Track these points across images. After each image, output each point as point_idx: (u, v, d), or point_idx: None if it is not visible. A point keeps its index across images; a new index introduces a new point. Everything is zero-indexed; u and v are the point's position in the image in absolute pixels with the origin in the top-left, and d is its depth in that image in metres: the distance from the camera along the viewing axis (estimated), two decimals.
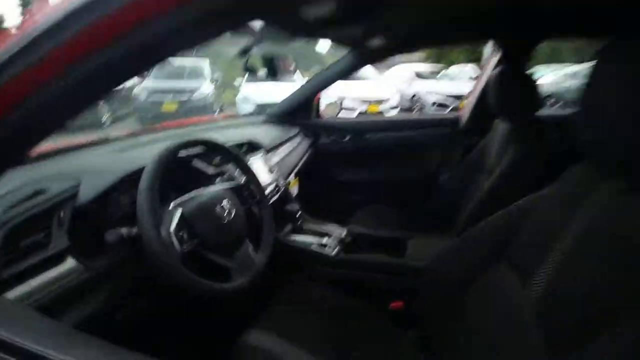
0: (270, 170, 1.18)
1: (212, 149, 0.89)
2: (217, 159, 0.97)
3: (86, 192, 0.69)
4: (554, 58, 8.49)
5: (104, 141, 1.02)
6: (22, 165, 0.67)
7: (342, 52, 1.53)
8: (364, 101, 6.19)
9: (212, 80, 7.03)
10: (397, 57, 1.88)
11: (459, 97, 6.65)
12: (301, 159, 1.54)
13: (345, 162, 1.79)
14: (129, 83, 6.79)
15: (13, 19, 13.11)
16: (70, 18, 0.35)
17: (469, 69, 8.55)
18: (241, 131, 1.41)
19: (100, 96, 0.43)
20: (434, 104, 7.07)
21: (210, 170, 0.89)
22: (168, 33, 0.34)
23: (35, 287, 0.58)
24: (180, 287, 0.68)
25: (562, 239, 0.54)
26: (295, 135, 1.60)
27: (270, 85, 4.92)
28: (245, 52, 1.08)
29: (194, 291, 0.68)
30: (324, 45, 1.32)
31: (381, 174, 1.79)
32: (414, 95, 7.41)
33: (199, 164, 0.87)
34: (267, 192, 1.04)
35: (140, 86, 6.54)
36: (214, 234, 0.75)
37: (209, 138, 0.87)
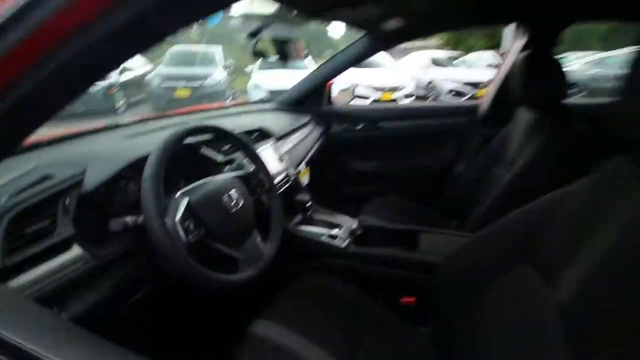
0: (281, 159, 1.15)
1: (220, 136, 0.86)
2: (225, 147, 0.95)
3: (91, 179, 0.67)
4: (578, 45, 8.10)
5: (113, 127, 1.00)
6: (15, 154, 0.66)
7: (356, 36, 1.47)
8: (378, 89, 6.06)
9: (224, 67, 7.01)
10: (413, 44, 1.81)
11: (476, 85, 6.45)
12: (312, 147, 1.50)
13: (358, 151, 1.74)
14: (141, 70, 6.86)
15: None
16: None
17: (488, 55, 8.23)
18: (251, 118, 1.38)
19: (91, 80, 0.40)
20: (450, 91, 6.86)
21: (219, 158, 0.87)
22: (157, 9, 0.31)
23: (40, 275, 0.57)
24: (186, 278, 0.67)
25: (595, 237, 0.51)
26: (306, 123, 1.55)
27: (282, 71, 4.86)
28: (254, 34, 1.03)
29: (200, 282, 0.67)
30: (337, 30, 1.26)
31: (395, 164, 1.74)
32: (429, 83, 7.21)
33: (207, 151, 0.85)
34: (276, 181, 1.01)
35: (153, 72, 6.57)
36: (221, 223, 0.73)
37: (218, 125, 0.84)
